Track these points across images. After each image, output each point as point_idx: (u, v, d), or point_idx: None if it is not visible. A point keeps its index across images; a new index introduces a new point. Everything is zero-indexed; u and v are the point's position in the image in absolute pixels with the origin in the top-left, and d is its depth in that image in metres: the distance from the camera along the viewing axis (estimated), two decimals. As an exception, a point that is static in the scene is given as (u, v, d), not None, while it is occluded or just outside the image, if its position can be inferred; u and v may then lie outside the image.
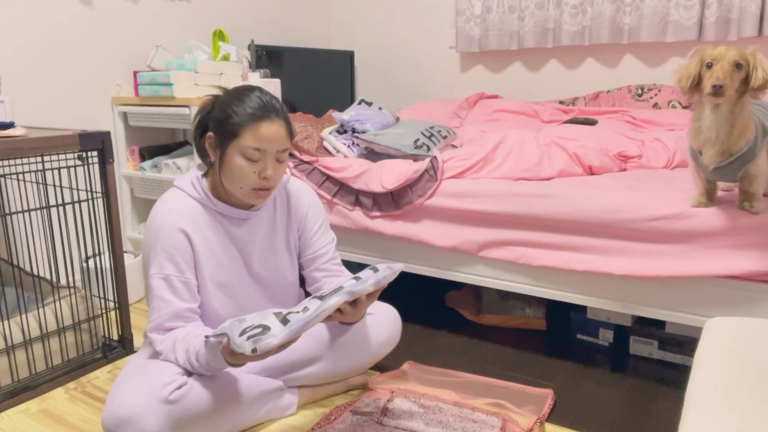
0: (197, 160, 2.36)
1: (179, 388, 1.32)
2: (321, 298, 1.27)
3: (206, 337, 1.27)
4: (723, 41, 2.56)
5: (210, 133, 1.43)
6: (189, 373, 1.39)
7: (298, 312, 1.23)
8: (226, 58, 2.62)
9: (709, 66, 1.44)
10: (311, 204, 1.64)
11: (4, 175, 1.74)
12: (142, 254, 1.46)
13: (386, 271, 1.34)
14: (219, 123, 1.40)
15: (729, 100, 1.44)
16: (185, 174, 1.52)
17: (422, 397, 1.57)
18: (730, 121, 1.45)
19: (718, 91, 1.40)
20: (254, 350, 1.15)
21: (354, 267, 2.76)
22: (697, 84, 1.48)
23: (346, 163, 2.16)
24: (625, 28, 2.69)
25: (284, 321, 1.20)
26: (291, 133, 1.45)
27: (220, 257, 1.49)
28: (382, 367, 1.78)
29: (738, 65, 1.42)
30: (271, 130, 1.38)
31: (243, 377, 1.45)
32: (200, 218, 1.46)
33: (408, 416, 1.50)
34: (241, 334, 1.18)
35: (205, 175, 1.51)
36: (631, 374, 1.77)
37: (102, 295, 1.85)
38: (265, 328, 1.18)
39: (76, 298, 1.78)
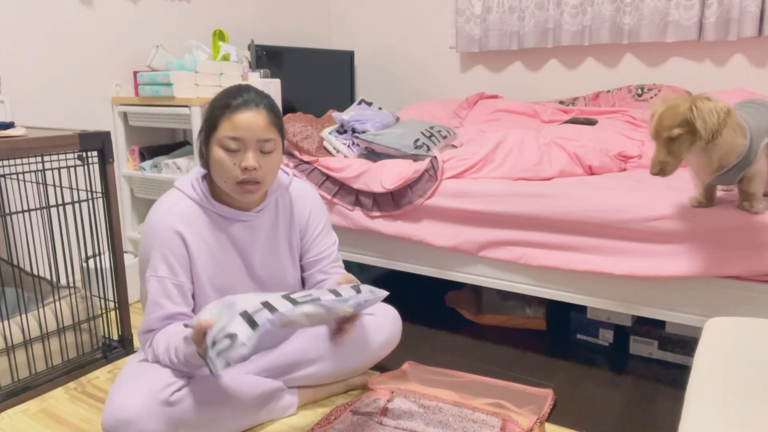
0: (197, 160, 2.37)
1: (179, 390, 1.32)
2: (293, 301, 1.20)
3: (185, 326, 1.24)
4: (723, 41, 2.56)
5: (202, 136, 1.44)
6: (189, 375, 1.39)
7: (265, 310, 1.16)
8: (226, 58, 2.62)
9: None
10: (314, 206, 1.63)
11: (4, 175, 1.74)
12: (139, 256, 1.46)
13: (368, 294, 1.28)
14: (204, 122, 1.42)
15: (694, 146, 1.42)
16: (186, 175, 1.52)
17: (422, 397, 1.57)
18: (707, 155, 1.46)
19: (658, 175, 1.42)
20: (227, 365, 1.11)
21: (354, 267, 2.77)
22: None
23: (346, 163, 2.16)
24: (625, 28, 2.69)
25: (252, 323, 1.13)
26: (277, 125, 1.41)
27: (219, 259, 1.48)
28: (382, 367, 1.78)
29: (672, 139, 1.39)
30: (248, 117, 1.36)
31: (243, 378, 1.45)
32: (198, 220, 1.45)
33: (408, 416, 1.50)
34: (212, 346, 1.12)
35: (206, 176, 1.51)
36: (631, 374, 1.77)
37: (102, 295, 1.85)
38: (233, 338, 1.11)
39: (76, 298, 1.78)
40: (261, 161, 1.39)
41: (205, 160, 1.45)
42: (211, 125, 1.39)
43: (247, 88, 1.42)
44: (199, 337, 1.18)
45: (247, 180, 1.38)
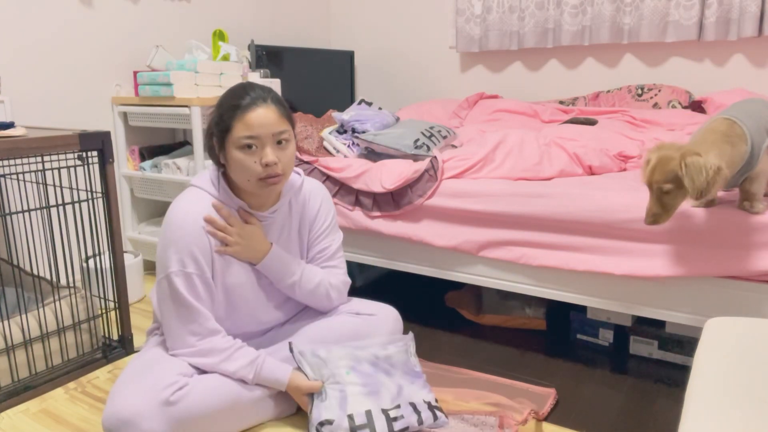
0: (198, 160, 2.36)
1: (180, 389, 1.32)
2: (389, 423, 1.39)
3: (297, 353, 1.45)
4: (723, 41, 2.56)
5: (214, 139, 1.44)
6: (190, 374, 1.39)
7: (368, 430, 1.37)
8: (226, 58, 2.62)
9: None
10: (323, 202, 1.65)
11: (4, 175, 1.74)
12: (159, 252, 1.44)
13: (442, 422, 1.44)
14: (215, 126, 1.43)
15: (675, 208, 1.45)
16: (201, 174, 1.52)
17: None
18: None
19: (651, 225, 1.44)
20: None
21: (354, 267, 2.76)
22: None
23: (346, 163, 2.16)
24: (625, 28, 2.69)
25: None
26: (287, 116, 1.44)
27: (231, 258, 1.49)
28: (382, 367, 1.78)
29: (664, 192, 1.40)
30: (259, 114, 1.38)
31: (243, 377, 1.45)
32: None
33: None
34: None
35: (223, 175, 1.52)
36: (631, 374, 1.77)
37: (102, 295, 1.85)
38: None
39: (76, 298, 1.78)
40: (279, 154, 1.41)
41: (221, 163, 1.46)
42: (224, 128, 1.40)
43: (251, 86, 1.44)
44: (299, 392, 1.42)
45: (270, 175, 1.40)
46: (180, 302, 1.41)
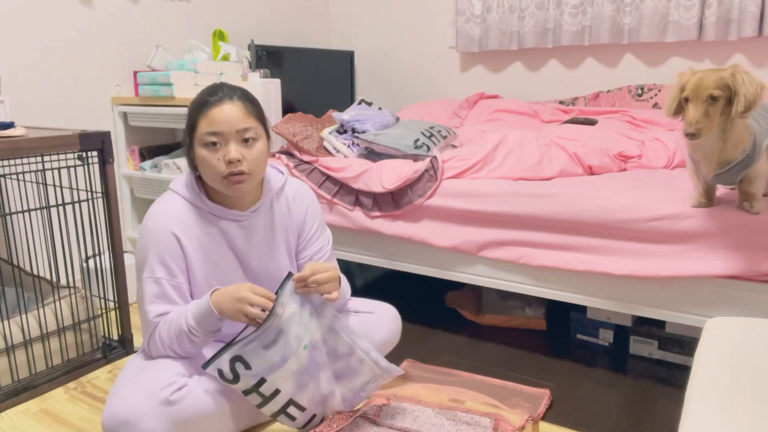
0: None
1: (179, 389, 1.32)
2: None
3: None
4: (723, 41, 2.56)
5: (185, 138, 1.45)
6: (189, 375, 1.39)
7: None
8: (226, 58, 2.62)
9: (687, 100, 1.41)
10: (309, 205, 1.64)
11: (4, 175, 1.74)
12: (136, 258, 1.47)
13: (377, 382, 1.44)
14: (186, 126, 1.43)
15: (716, 125, 1.41)
16: (180, 176, 1.52)
17: (418, 403, 1.57)
18: (723, 137, 1.45)
19: (692, 136, 1.39)
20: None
21: (354, 267, 2.77)
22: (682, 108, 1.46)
23: (346, 163, 2.16)
24: (625, 28, 2.69)
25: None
26: (255, 113, 1.42)
27: (215, 259, 1.48)
28: (382, 367, 1.78)
29: (714, 98, 1.38)
30: (224, 110, 1.36)
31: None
32: (193, 220, 1.45)
33: (401, 417, 1.50)
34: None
35: (200, 177, 1.51)
36: (631, 374, 1.77)
37: (102, 295, 1.85)
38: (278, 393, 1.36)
39: (76, 298, 1.78)
40: (244, 152, 1.38)
41: (193, 163, 1.46)
42: (191, 126, 1.40)
43: (221, 85, 1.42)
44: (226, 306, 1.32)
45: (233, 173, 1.38)
46: (150, 307, 1.42)
